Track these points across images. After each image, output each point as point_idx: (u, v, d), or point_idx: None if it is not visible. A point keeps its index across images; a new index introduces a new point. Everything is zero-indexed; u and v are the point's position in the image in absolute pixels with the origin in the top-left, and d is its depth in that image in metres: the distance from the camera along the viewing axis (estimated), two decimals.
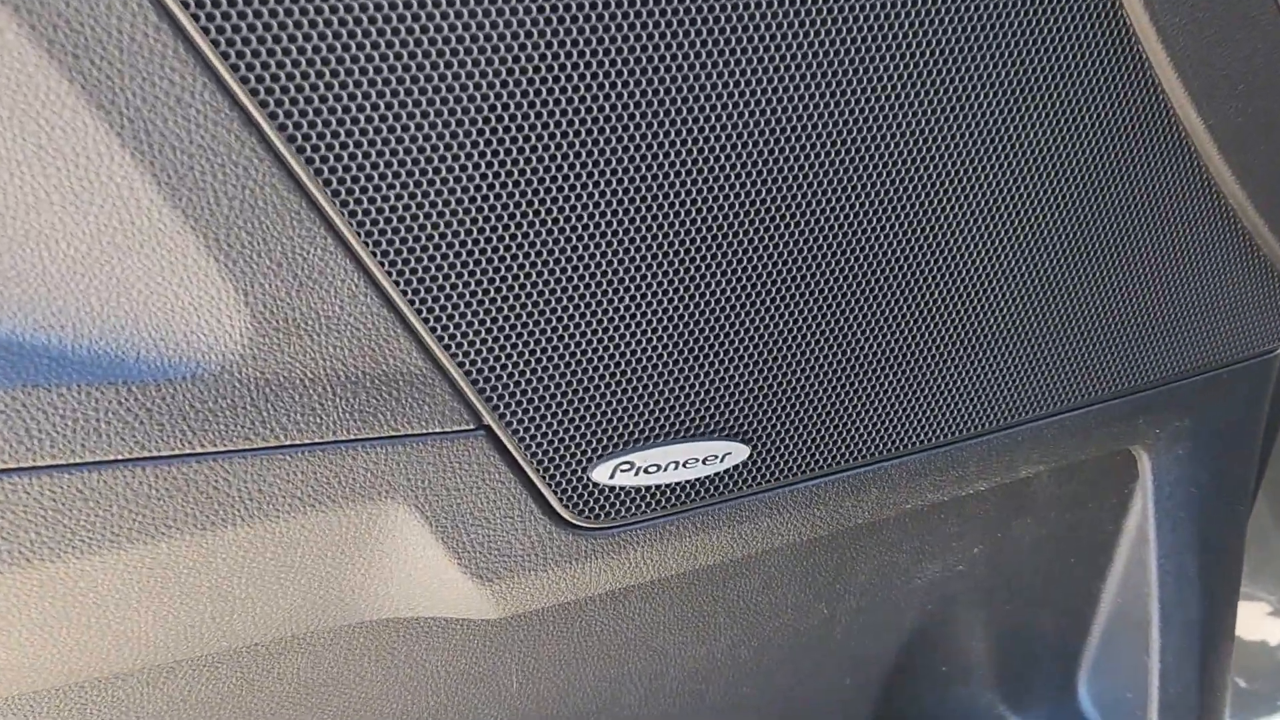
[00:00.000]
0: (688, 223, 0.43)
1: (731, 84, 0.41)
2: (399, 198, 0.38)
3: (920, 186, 0.46)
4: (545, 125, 0.39)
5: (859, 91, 0.43)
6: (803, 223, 0.45)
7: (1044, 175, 0.49)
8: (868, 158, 0.45)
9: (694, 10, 0.39)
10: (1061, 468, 0.68)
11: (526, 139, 0.39)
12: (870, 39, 0.42)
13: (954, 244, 0.49)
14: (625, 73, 0.39)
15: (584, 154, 0.40)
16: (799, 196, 0.44)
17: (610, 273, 0.42)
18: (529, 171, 0.39)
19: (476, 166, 0.38)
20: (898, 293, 0.49)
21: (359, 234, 0.38)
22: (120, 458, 0.39)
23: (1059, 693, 0.81)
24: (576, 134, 0.39)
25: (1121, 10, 0.47)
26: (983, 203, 0.48)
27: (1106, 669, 0.79)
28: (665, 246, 0.43)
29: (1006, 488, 0.67)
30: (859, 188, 0.45)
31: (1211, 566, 0.70)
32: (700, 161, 0.42)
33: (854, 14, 0.41)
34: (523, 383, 0.43)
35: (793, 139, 0.43)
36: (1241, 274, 0.59)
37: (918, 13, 0.42)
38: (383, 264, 0.39)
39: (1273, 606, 1.09)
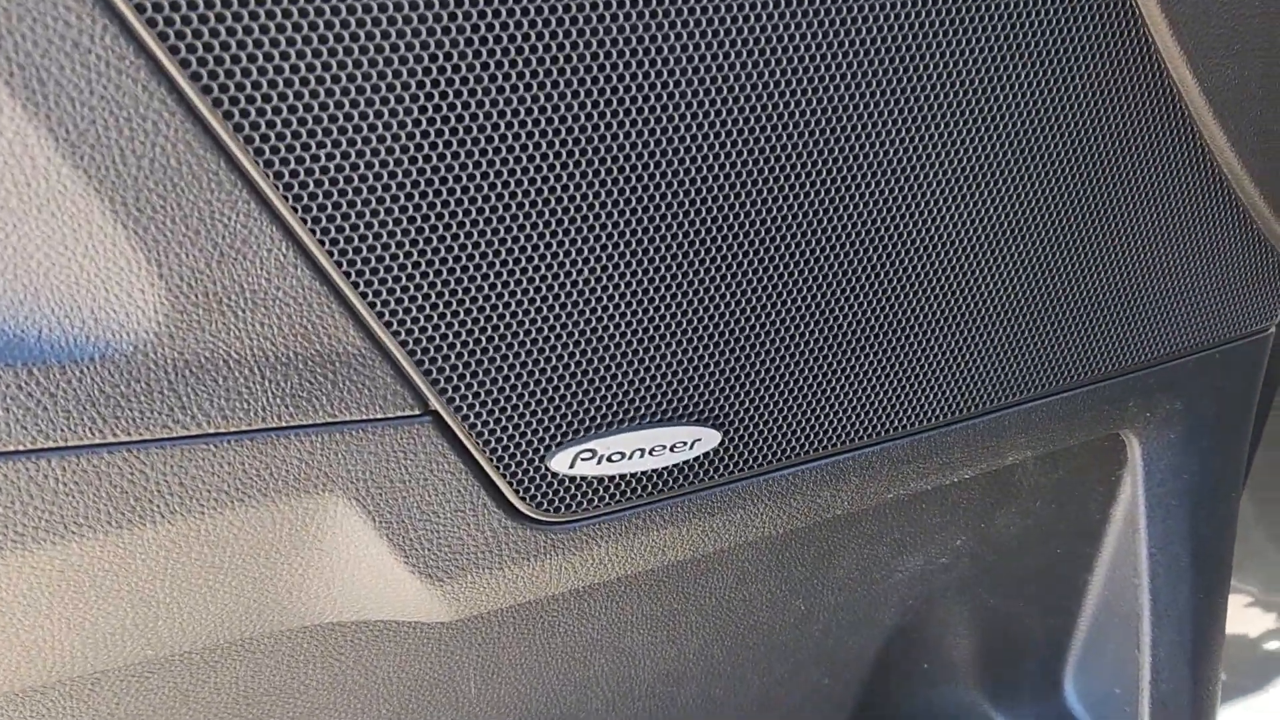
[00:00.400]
0: (653, 192, 0.40)
1: (702, 49, 0.38)
2: (330, 156, 0.35)
3: (899, 156, 0.44)
4: (502, 70, 0.35)
5: (838, 58, 0.40)
6: (777, 194, 0.43)
7: (1029, 141, 0.47)
8: (842, 128, 0.42)
9: None
10: (1048, 454, 0.67)
11: (474, 88, 0.35)
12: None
13: (936, 217, 0.47)
14: (586, 21, 0.36)
15: (543, 109, 0.37)
16: (773, 169, 0.42)
17: (568, 240, 0.40)
18: (476, 128, 0.36)
19: (417, 123, 0.35)
20: (878, 269, 0.47)
21: (286, 197, 0.35)
22: (22, 448, 0.36)
23: (1045, 690, 0.81)
24: (538, 78, 0.36)
25: None
26: (964, 172, 0.46)
27: (1094, 665, 0.79)
28: (629, 214, 0.40)
29: (990, 476, 0.66)
30: (834, 158, 0.43)
31: (1204, 557, 0.70)
32: (670, 137, 0.39)
33: None
34: (472, 363, 0.40)
35: (767, 111, 0.40)
36: (1235, 248, 0.57)
37: None
38: (314, 231, 0.36)
39: (1253, 598, 1.10)
